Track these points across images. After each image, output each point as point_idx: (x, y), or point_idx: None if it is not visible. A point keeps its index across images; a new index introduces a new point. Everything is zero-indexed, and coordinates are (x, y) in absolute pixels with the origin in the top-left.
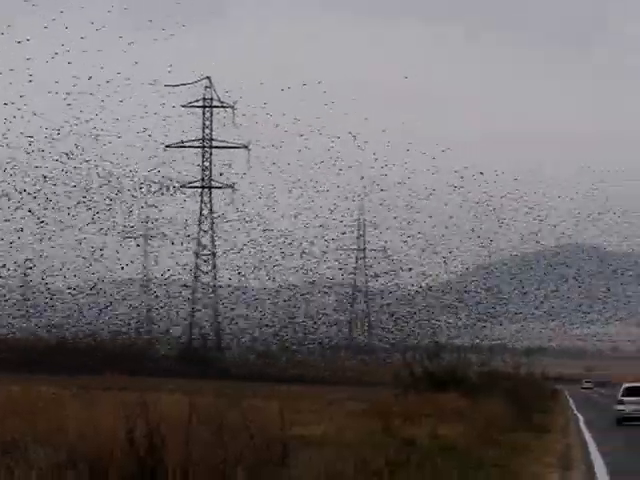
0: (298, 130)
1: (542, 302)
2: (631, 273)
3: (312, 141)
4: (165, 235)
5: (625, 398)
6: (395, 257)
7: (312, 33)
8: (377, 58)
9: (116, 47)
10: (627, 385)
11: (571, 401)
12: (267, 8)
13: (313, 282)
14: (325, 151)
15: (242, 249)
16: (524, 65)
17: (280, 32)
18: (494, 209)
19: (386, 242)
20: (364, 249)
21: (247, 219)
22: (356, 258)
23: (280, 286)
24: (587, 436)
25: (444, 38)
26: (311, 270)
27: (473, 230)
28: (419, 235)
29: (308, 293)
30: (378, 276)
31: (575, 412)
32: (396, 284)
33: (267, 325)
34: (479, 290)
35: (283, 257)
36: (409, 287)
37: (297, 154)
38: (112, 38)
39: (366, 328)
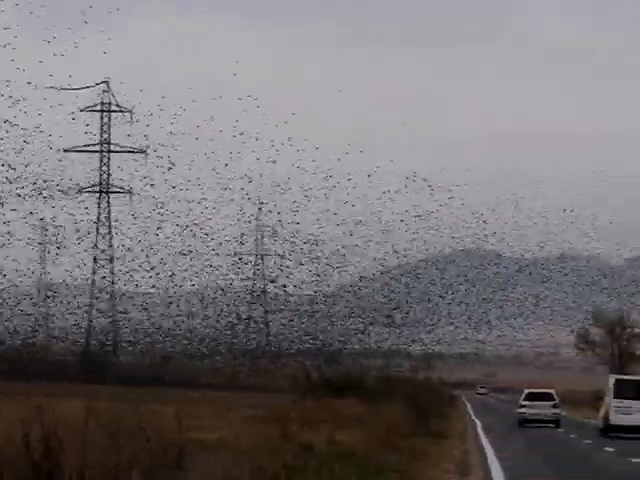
0: (198, 133)
1: (443, 307)
2: (522, 277)
3: (212, 145)
4: (62, 240)
5: (526, 402)
6: (292, 262)
7: (204, 35)
8: (267, 58)
9: (11, 50)
10: (528, 391)
11: (469, 406)
12: (161, 15)
13: (210, 287)
14: (223, 155)
15: (141, 254)
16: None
17: (173, 34)
18: (382, 221)
19: (285, 247)
20: (262, 254)
21: (145, 224)
22: (255, 263)
23: (180, 292)
24: (485, 442)
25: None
26: (211, 275)
27: (369, 239)
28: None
29: (208, 298)
30: (274, 281)
31: (473, 418)
32: (296, 289)
33: (167, 330)
34: (380, 295)
35: (182, 262)
36: (309, 292)
37: (196, 157)
38: (7, 41)
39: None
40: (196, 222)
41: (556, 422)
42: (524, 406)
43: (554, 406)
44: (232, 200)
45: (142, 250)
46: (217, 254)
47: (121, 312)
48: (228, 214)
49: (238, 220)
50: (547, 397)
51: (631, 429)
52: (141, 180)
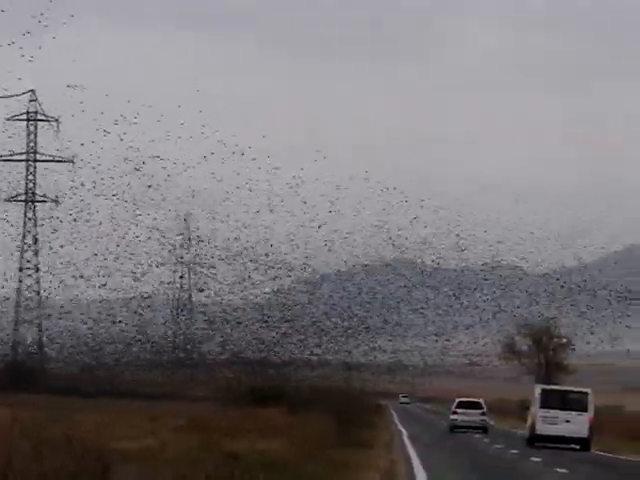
0: (126, 145)
1: (367, 317)
2: (446, 289)
3: (139, 154)
4: None
5: (458, 410)
6: (218, 271)
7: (137, 49)
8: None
9: None
10: (459, 400)
11: (395, 416)
12: (91, 24)
13: (134, 297)
14: (150, 166)
15: (68, 263)
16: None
17: (102, 47)
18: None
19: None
20: (189, 263)
21: (72, 233)
22: (181, 272)
23: (105, 300)
24: (411, 451)
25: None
26: (136, 284)
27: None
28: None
29: (135, 307)
30: (203, 290)
31: (399, 427)
32: (221, 299)
33: (93, 340)
34: (303, 305)
35: (107, 271)
36: (233, 302)
37: (124, 167)
38: None
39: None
40: (120, 231)
41: (484, 429)
42: (456, 413)
43: (482, 414)
44: (159, 208)
45: (70, 259)
46: (145, 263)
47: (49, 320)
48: (155, 221)
49: (164, 229)
50: (476, 406)
51: (557, 439)
52: (69, 189)
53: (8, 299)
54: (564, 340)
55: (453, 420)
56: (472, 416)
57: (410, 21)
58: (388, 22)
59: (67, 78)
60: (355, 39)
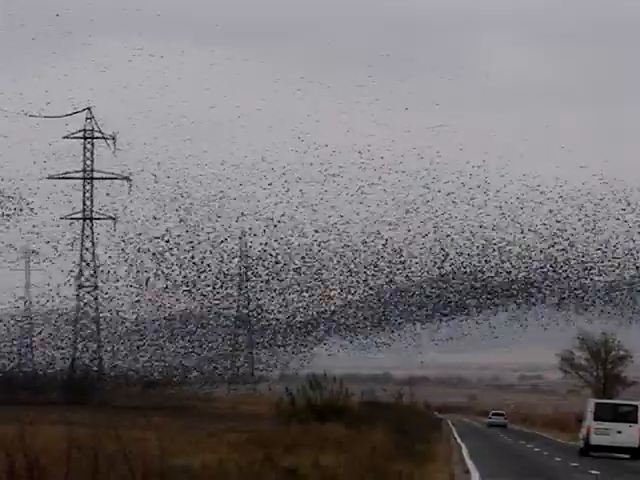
0: (176, 161)
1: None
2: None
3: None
4: (46, 267)
5: (492, 416)
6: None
7: (181, 66)
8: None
9: None
10: (493, 411)
11: (454, 430)
12: (137, 40)
13: (195, 312)
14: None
15: (124, 281)
16: None
17: (149, 65)
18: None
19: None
20: (247, 278)
21: (127, 251)
22: (239, 286)
23: (164, 317)
24: (470, 465)
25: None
26: (195, 300)
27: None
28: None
29: (193, 323)
30: (260, 307)
31: (459, 441)
32: (275, 314)
33: (148, 356)
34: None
35: (169, 288)
36: (290, 317)
37: (176, 184)
38: None
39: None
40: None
41: (505, 425)
42: (490, 418)
43: (505, 419)
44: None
45: (125, 277)
46: (204, 279)
47: (107, 338)
48: (213, 236)
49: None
50: (501, 414)
51: (609, 449)
52: (125, 208)
53: (67, 315)
54: (622, 353)
55: (489, 421)
56: (499, 419)
57: None
58: None
59: (120, 95)
60: None
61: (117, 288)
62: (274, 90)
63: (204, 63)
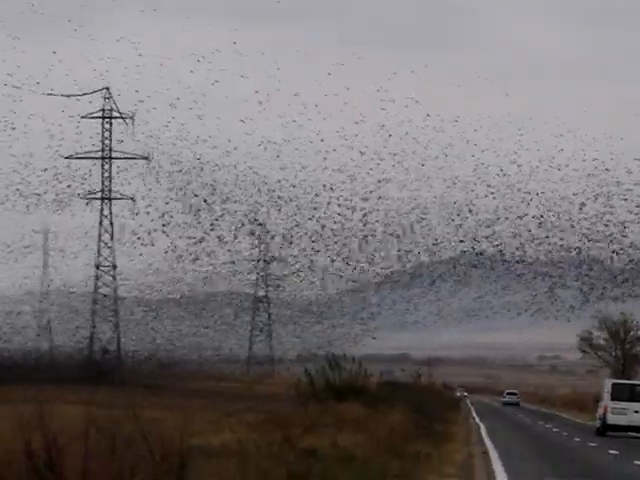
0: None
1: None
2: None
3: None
4: (64, 247)
5: (506, 396)
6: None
7: (200, 42)
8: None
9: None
10: (507, 390)
11: (472, 410)
12: (155, 17)
13: (213, 293)
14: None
15: (144, 261)
16: None
17: (168, 43)
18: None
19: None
20: (265, 260)
21: (145, 230)
22: (257, 269)
23: (182, 297)
24: (489, 444)
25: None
26: (211, 280)
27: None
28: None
29: (209, 302)
30: (279, 287)
31: (477, 421)
32: (295, 294)
33: (166, 336)
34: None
35: (184, 268)
36: (308, 297)
37: (195, 164)
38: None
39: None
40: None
41: (517, 404)
42: (504, 397)
43: (517, 397)
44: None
45: (144, 256)
46: (225, 261)
47: (125, 318)
48: (236, 221)
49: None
50: (514, 393)
51: (626, 428)
52: (139, 189)
53: (85, 296)
54: None
55: (504, 399)
56: (512, 398)
57: None
58: None
59: (137, 74)
60: None
61: (136, 268)
62: (306, 68)
63: (229, 40)
